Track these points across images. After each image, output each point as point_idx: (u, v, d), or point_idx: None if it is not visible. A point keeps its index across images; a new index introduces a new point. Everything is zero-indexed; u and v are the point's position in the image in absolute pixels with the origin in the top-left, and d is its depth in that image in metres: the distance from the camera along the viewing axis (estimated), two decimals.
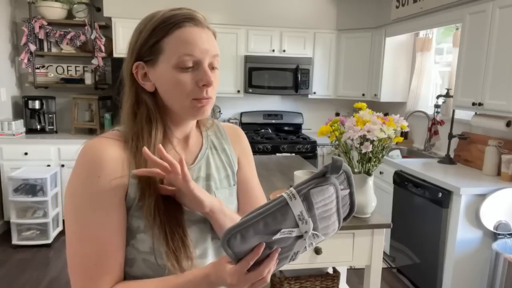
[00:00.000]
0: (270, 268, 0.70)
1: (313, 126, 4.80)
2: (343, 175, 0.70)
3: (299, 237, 0.70)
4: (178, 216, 0.81)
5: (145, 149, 0.77)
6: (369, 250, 1.83)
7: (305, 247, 0.72)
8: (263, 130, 4.56)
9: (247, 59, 4.24)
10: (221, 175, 0.95)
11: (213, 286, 0.75)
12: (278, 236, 0.67)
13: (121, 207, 0.79)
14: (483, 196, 2.50)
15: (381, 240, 1.84)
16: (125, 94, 0.86)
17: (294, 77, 4.34)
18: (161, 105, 0.85)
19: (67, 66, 4.24)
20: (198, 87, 0.81)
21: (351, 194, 0.73)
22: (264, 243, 0.68)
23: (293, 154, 3.63)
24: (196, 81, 0.80)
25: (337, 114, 4.88)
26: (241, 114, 4.65)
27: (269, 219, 0.66)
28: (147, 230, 0.79)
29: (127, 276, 0.82)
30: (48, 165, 3.77)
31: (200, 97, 0.81)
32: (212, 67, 0.83)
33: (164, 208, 0.79)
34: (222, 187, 0.93)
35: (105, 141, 0.81)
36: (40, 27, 3.90)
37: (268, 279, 0.71)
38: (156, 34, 0.80)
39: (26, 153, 3.73)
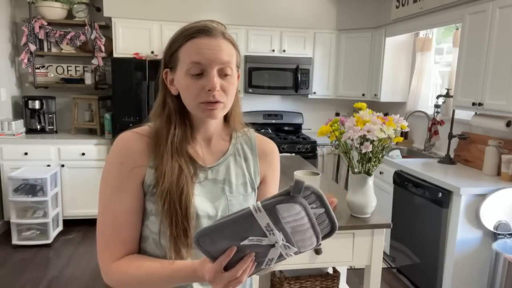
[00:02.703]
0: (245, 270, 0.77)
1: (313, 126, 4.80)
2: (313, 196, 0.73)
3: (272, 246, 0.75)
4: (186, 208, 0.89)
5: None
6: (369, 250, 1.83)
7: (282, 255, 0.77)
8: (263, 130, 4.56)
9: (247, 59, 4.24)
10: (238, 181, 1.01)
11: (198, 280, 0.84)
12: (246, 242, 0.74)
13: (138, 191, 0.92)
14: (483, 196, 2.50)
15: (381, 240, 1.84)
16: (157, 96, 0.99)
17: (294, 77, 4.34)
18: (183, 107, 0.95)
19: (67, 66, 4.24)
20: (205, 92, 0.89)
21: (327, 213, 0.76)
22: (236, 247, 0.74)
23: (293, 154, 3.63)
24: (203, 86, 0.89)
25: (337, 114, 4.88)
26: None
27: (235, 226, 0.72)
28: (157, 214, 0.91)
29: (141, 251, 0.96)
30: (48, 165, 3.77)
31: (208, 101, 0.89)
32: (224, 74, 0.90)
33: (174, 199, 0.89)
34: (237, 192, 1.00)
35: (133, 135, 0.95)
36: (40, 27, 3.90)
37: (243, 280, 0.78)
38: (174, 45, 0.92)
39: (26, 153, 3.74)
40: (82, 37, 3.98)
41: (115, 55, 3.98)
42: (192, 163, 0.94)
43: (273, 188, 1.08)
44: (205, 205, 0.94)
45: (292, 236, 0.75)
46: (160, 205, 0.89)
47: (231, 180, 0.99)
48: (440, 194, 2.64)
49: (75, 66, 4.25)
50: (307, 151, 4.21)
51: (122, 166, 0.91)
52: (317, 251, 1.77)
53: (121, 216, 0.91)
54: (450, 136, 3.22)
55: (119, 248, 0.91)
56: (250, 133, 1.08)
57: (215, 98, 0.89)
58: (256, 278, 1.77)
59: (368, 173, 1.79)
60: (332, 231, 0.78)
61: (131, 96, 3.83)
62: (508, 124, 2.66)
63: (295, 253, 0.78)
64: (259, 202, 0.71)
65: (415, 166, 3.05)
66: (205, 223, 0.93)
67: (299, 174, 1.93)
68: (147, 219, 0.94)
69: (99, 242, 0.93)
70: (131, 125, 4.30)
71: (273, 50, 4.32)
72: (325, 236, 0.79)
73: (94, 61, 4.00)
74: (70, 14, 4.05)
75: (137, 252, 0.95)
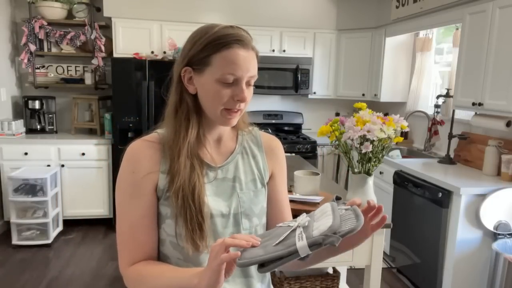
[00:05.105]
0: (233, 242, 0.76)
1: (313, 126, 4.80)
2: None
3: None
4: (199, 203, 0.92)
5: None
6: (369, 250, 1.83)
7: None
8: (263, 130, 4.55)
9: None
10: (247, 178, 1.04)
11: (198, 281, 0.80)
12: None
13: (151, 196, 0.95)
14: (483, 196, 2.50)
15: (381, 240, 1.84)
16: (171, 92, 0.98)
17: (294, 77, 4.34)
18: (199, 107, 0.97)
19: (67, 66, 4.24)
20: (233, 101, 0.92)
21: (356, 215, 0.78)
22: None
23: (293, 154, 3.63)
24: (232, 95, 0.92)
25: (337, 114, 4.88)
26: None
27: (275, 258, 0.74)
28: (172, 216, 0.94)
29: (160, 254, 0.99)
30: (48, 165, 3.77)
31: (232, 109, 0.93)
32: (248, 85, 0.94)
33: (187, 195, 0.92)
34: (247, 189, 1.03)
35: (143, 143, 0.98)
36: (40, 27, 3.90)
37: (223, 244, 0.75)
38: (207, 49, 0.91)
39: (26, 153, 3.74)
40: (82, 37, 3.97)
41: (115, 55, 3.98)
42: (201, 163, 0.97)
43: (282, 183, 1.11)
44: (218, 204, 0.97)
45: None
46: (175, 201, 0.92)
47: (240, 178, 1.02)
48: (440, 194, 2.64)
49: (75, 66, 4.25)
50: (307, 151, 4.21)
51: (134, 174, 0.94)
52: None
53: (136, 221, 0.95)
54: (450, 136, 3.22)
55: (136, 252, 0.95)
56: (255, 131, 1.12)
57: (240, 107, 0.94)
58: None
59: (368, 173, 1.78)
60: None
61: (131, 96, 3.83)
62: (508, 124, 2.66)
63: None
64: (310, 251, 0.72)
65: (415, 166, 3.05)
66: (219, 222, 0.97)
67: (299, 174, 1.93)
68: (163, 223, 0.97)
69: (118, 247, 0.97)
70: (131, 125, 4.26)
71: (273, 50, 4.32)
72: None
73: (94, 61, 3.99)
74: (70, 14, 4.05)
75: (156, 256, 0.98)
